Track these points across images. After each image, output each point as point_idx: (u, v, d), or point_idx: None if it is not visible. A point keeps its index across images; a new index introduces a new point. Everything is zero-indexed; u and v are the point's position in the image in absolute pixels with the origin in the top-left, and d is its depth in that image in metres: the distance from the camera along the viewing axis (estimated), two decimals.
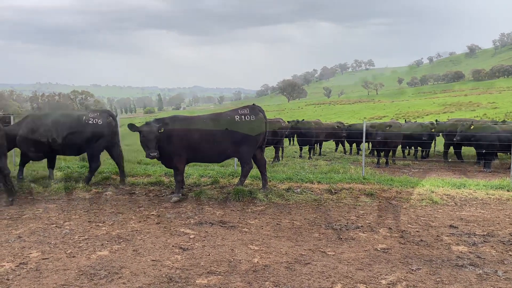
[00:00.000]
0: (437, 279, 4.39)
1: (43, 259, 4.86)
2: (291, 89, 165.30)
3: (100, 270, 4.54)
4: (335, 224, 6.41)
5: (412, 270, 4.63)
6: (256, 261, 4.85)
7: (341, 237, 5.84)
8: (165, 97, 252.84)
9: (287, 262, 4.85)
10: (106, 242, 5.46)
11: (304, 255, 5.10)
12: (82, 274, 4.43)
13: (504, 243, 5.56)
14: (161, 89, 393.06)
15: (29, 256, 4.93)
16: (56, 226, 6.20)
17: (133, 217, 6.71)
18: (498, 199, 8.11)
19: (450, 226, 6.39)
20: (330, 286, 4.22)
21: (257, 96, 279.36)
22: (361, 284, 4.26)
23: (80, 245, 5.34)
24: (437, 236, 5.90)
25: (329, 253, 5.18)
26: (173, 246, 5.34)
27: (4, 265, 4.65)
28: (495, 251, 5.25)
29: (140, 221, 6.45)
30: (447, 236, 5.88)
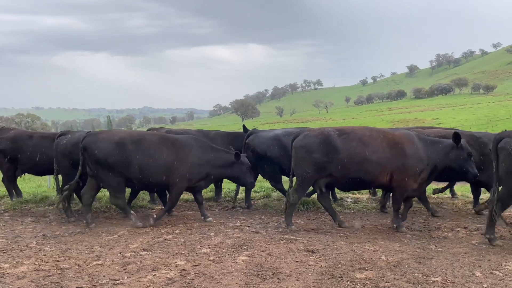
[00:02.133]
0: None
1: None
2: (244, 109, 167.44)
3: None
4: (417, 226, 7.12)
5: None
6: (386, 259, 5.43)
7: (433, 236, 6.56)
8: (114, 119, 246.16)
9: (412, 257, 5.47)
10: None
11: (419, 251, 5.74)
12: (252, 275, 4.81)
13: None
14: (109, 111, 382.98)
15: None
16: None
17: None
18: None
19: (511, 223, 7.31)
20: (471, 273, 4.90)
21: (210, 116, 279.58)
22: (495, 271, 4.98)
23: None
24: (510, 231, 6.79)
25: (438, 249, 5.87)
26: (299, 249, 5.80)
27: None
28: None
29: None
30: None
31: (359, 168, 6.58)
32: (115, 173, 6.97)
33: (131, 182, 7.19)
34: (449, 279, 4.70)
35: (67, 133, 8.12)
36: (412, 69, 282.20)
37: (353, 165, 6.58)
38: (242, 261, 5.33)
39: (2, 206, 8.79)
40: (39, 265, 5.18)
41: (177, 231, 6.83)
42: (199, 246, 5.95)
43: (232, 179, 8.02)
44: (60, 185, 8.01)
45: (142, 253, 5.66)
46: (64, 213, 7.79)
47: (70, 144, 7.74)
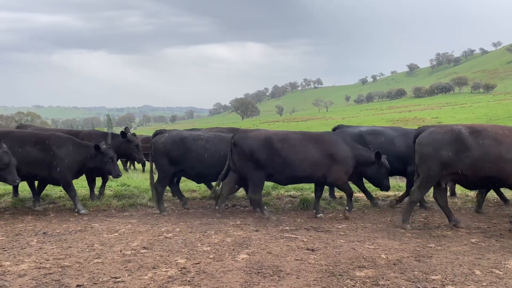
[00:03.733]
0: None
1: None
2: (244, 108, 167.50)
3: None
4: (416, 224, 7.14)
5: None
6: (385, 257, 5.44)
7: (432, 234, 6.57)
8: (114, 117, 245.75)
9: (412, 256, 5.48)
10: None
11: (419, 250, 5.76)
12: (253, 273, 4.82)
13: None
14: (109, 109, 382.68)
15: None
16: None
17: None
18: None
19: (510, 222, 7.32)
20: (470, 272, 4.91)
21: (210, 115, 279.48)
22: (495, 269, 5.00)
23: None
24: (510, 230, 6.81)
25: (438, 247, 5.88)
26: (299, 248, 5.81)
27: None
28: None
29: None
30: None
31: (492, 167, 6.44)
32: (260, 169, 7.45)
33: (274, 177, 7.65)
34: (449, 277, 4.72)
35: (164, 132, 8.36)
36: (412, 68, 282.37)
37: (486, 163, 6.45)
38: (243, 259, 5.34)
39: (3, 204, 8.80)
40: (40, 263, 5.19)
41: (178, 229, 6.84)
42: (199, 244, 5.96)
43: (369, 179, 8.17)
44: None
45: (142, 251, 5.67)
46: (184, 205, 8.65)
47: (169, 142, 8.00)
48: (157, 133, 8.36)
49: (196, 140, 8.06)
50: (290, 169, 7.47)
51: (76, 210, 8.03)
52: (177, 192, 8.88)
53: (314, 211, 7.91)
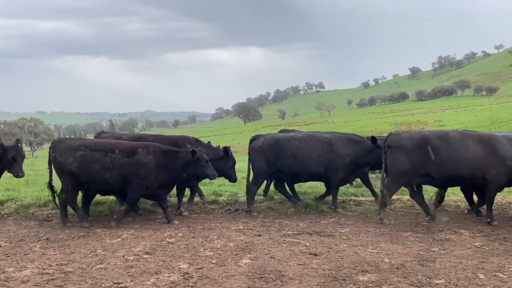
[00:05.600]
0: None
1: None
2: (246, 112, 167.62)
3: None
4: (420, 229, 7.11)
5: None
6: (389, 261, 5.42)
7: (436, 238, 6.55)
8: (116, 122, 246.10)
9: (415, 260, 5.46)
10: None
11: (422, 254, 5.73)
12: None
13: None
14: (111, 115, 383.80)
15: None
16: None
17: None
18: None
19: None
20: (474, 276, 4.89)
21: (212, 119, 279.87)
22: (498, 273, 4.97)
23: None
24: None
25: (441, 251, 5.86)
26: (302, 252, 5.79)
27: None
28: None
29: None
30: None
31: None
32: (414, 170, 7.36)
33: (430, 178, 7.47)
34: (452, 282, 4.70)
35: (259, 136, 8.83)
36: (414, 71, 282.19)
37: None
38: (245, 264, 5.33)
39: (6, 210, 8.82)
40: (43, 269, 5.20)
41: (180, 234, 6.84)
42: (202, 250, 5.96)
43: None
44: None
45: (145, 256, 5.67)
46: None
47: (265, 145, 8.44)
48: (254, 139, 8.82)
49: (289, 140, 8.41)
50: (450, 170, 7.26)
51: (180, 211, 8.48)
52: (284, 193, 9.37)
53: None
